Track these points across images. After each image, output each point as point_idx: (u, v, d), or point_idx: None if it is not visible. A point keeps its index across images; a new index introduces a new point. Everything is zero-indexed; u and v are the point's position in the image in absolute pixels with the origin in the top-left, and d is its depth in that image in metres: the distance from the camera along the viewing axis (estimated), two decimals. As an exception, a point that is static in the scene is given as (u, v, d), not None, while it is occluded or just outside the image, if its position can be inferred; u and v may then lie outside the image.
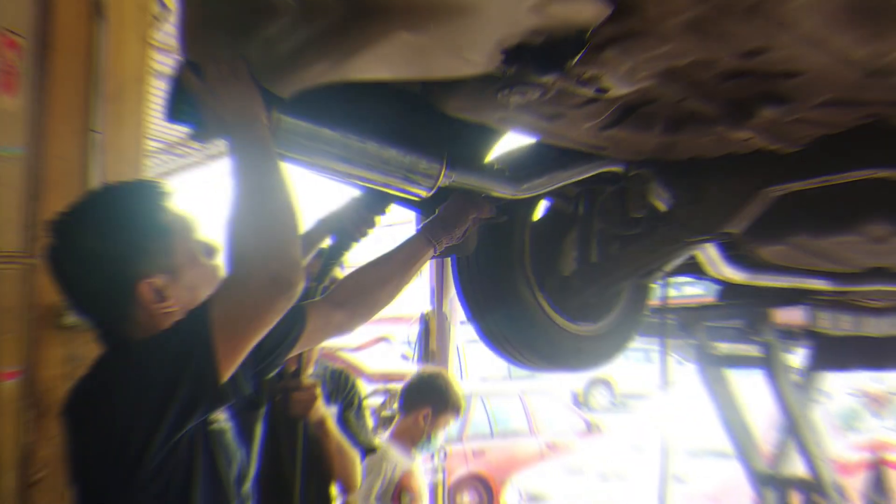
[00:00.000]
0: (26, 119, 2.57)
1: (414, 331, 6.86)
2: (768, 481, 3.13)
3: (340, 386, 2.67)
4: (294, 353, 1.77)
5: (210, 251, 1.53)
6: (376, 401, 9.99)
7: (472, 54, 1.16)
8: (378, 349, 10.95)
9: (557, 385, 12.22)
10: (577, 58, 1.11)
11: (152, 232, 1.43)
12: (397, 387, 10.05)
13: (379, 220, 2.07)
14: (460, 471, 8.43)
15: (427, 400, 3.25)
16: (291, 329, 1.67)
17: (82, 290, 1.44)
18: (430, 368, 4.05)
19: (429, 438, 3.26)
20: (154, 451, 1.30)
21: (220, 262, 1.55)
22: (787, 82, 1.28)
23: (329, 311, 1.78)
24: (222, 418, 1.49)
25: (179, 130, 10.25)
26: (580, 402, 16.63)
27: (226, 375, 1.33)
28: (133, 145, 2.85)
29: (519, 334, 2.19)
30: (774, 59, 1.19)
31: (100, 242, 1.39)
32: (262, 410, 1.65)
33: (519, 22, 1.05)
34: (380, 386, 9.99)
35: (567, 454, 9.05)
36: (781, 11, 1.05)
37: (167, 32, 6.83)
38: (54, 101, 2.65)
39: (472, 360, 12.83)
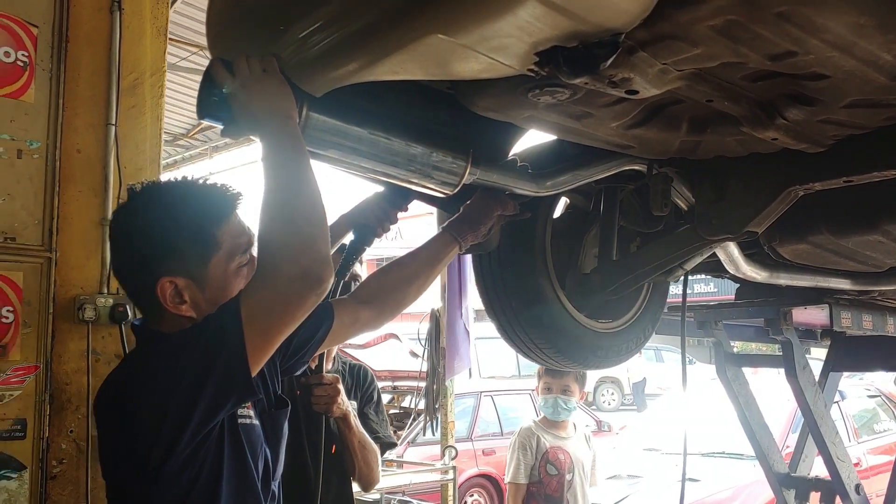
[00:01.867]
0: (45, 112, 2.60)
1: (423, 328, 6.86)
2: (788, 482, 3.13)
3: (359, 381, 2.69)
4: (321, 350, 1.79)
5: (248, 255, 1.55)
6: (384, 399, 10.03)
7: (507, 56, 1.17)
8: (386, 347, 10.96)
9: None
10: (610, 60, 1.11)
11: (197, 240, 1.47)
12: (405, 385, 10.04)
13: (399, 215, 2.09)
14: (470, 470, 8.42)
15: None
16: (320, 326, 1.70)
17: (118, 264, 1.56)
18: None
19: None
20: (185, 442, 1.34)
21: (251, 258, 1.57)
22: (815, 84, 1.28)
23: (356, 309, 1.80)
24: (252, 414, 1.51)
25: (184, 123, 10.33)
26: (588, 401, 16.65)
27: (256, 369, 1.35)
28: (150, 138, 2.88)
29: (540, 331, 2.19)
30: (802, 63, 1.20)
31: (145, 229, 1.46)
32: (289, 409, 1.66)
33: (556, 25, 1.06)
34: (387, 384, 10.01)
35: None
36: (810, 17, 1.06)
37: (184, 26, 6.87)
38: (72, 94, 2.69)
39: (481, 359, 12.88)
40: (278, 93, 1.41)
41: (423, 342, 7.04)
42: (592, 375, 18.09)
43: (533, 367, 14.16)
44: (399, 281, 1.89)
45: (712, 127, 1.56)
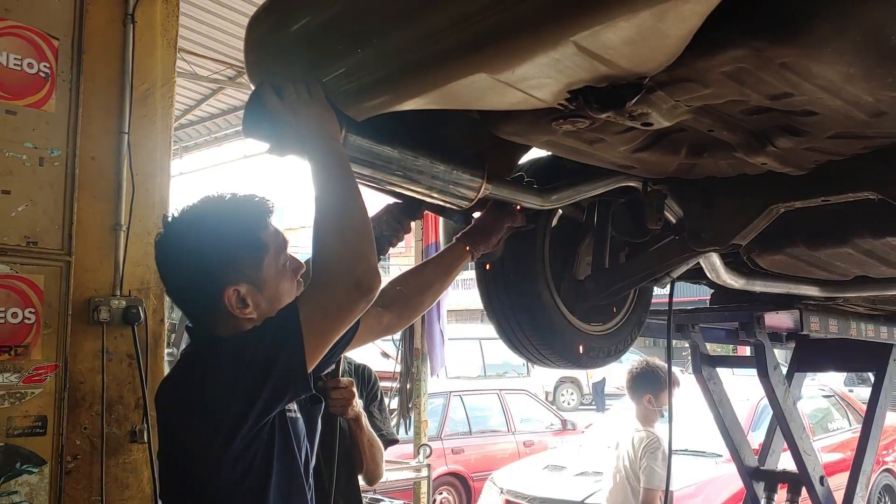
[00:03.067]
0: (65, 122, 2.70)
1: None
2: (758, 475, 3.35)
3: (364, 381, 2.83)
4: (347, 352, 1.94)
5: (296, 270, 1.70)
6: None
7: (543, 93, 1.33)
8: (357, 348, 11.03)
9: (532, 383, 12.45)
10: (635, 100, 1.29)
11: (248, 247, 1.60)
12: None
13: (412, 225, 2.25)
14: (439, 468, 8.56)
15: (644, 388, 4.06)
16: (346, 333, 1.84)
17: (179, 286, 1.64)
18: (636, 362, 4.42)
19: (662, 415, 4.12)
20: (245, 431, 1.47)
21: (301, 279, 1.72)
22: (805, 119, 1.47)
23: (379, 314, 1.95)
24: (295, 408, 1.66)
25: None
26: (549, 400, 16.90)
27: (311, 367, 1.49)
28: (160, 146, 3.00)
29: (538, 333, 2.36)
30: (796, 102, 1.38)
31: (199, 247, 1.57)
32: (323, 405, 1.80)
33: (592, 70, 1.22)
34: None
35: (543, 451, 9.24)
36: (808, 66, 1.24)
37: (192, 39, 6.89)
38: (87, 103, 2.79)
39: (448, 359, 13.04)
40: (325, 117, 1.55)
41: (396, 343, 7.18)
42: (553, 375, 18.36)
43: (498, 368, 14.28)
44: (418, 287, 2.05)
45: (709, 152, 1.75)
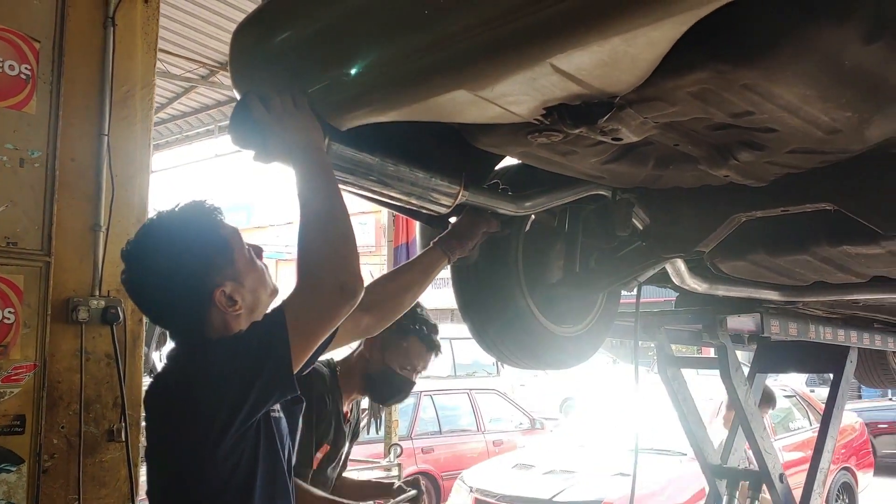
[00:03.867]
0: (45, 123, 2.73)
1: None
2: (720, 472, 3.46)
3: (358, 417, 2.92)
4: (328, 351, 2.00)
5: (258, 253, 1.76)
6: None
7: (520, 108, 1.41)
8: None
9: (502, 383, 12.54)
10: (606, 117, 1.37)
11: (217, 247, 1.65)
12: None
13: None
14: (409, 468, 8.61)
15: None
16: None
17: (165, 305, 1.66)
18: None
19: None
20: (232, 433, 1.52)
21: (265, 263, 1.80)
22: (765, 135, 1.56)
23: (358, 316, 2.01)
24: (278, 408, 1.72)
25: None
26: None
27: (297, 369, 1.55)
28: (140, 147, 3.03)
29: (511, 335, 2.44)
30: (757, 120, 1.47)
31: (175, 263, 1.60)
32: (304, 405, 1.85)
33: (567, 90, 1.30)
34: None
35: (513, 450, 9.33)
36: (768, 88, 1.34)
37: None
38: (68, 105, 2.82)
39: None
40: (310, 127, 1.61)
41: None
42: (516, 378, 18.48)
43: (468, 368, 14.32)
44: (397, 290, 2.12)
45: (674, 164, 1.84)
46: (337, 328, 1.91)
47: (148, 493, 1.67)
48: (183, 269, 1.60)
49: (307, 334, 1.56)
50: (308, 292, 1.55)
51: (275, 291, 1.75)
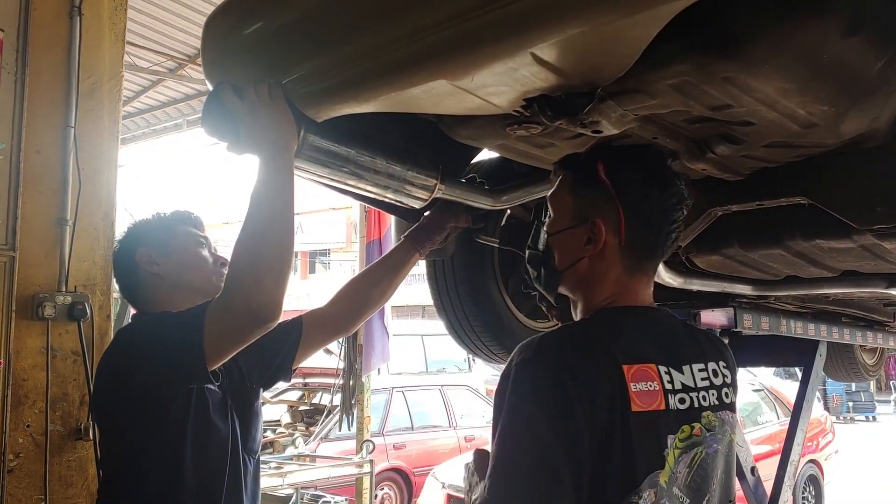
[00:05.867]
0: (9, 115, 2.66)
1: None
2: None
3: None
4: (303, 358, 2.01)
5: (202, 244, 1.91)
6: (292, 396, 10.05)
7: (500, 100, 1.39)
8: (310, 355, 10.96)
9: (474, 379, 12.55)
10: (587, 109, 1.35)
11: (163, 226, 1.89)
12: (316, 381, 10.06)
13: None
14: (381, 464, 8.60)
15: None
16: (287, 339, 1.97)
17: (115, 272, 1.93)
18: None
19: None
20: (154, 398, 1.63)
21: (210, 253, 1.93)
22: (743, 129, 1.56)
23: (326, 315, 2.02)
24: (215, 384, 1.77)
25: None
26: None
27: (212, 367, 1.62)
28: (107, 140, 2.97)
29: (486, 329, 2.44)
30: (736, 113, 1.47)
31: (128, 242, 1.88)
32: (259, 391, 1.91)
33: (547, 80, 1.29)
34: (298, 381, 10.05)
35: (484, 445, 9.34)
36: (747, 81, 1.33)
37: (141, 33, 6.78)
38: (32, 96, 2.75)
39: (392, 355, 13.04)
40: (282, 121, 1.58)
41: (339, 340, 7.18)
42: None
43: (440, 364, 14.36)
44: (365, 286, 2.11)
45: (652, 157, 1.83)
46: (299, 334, 2.01)
47: (99, 461, 1.89)
48: (129, 240, 1.89)
49: (220, 344, 1.60)
50: (223, 305, 1.58)
51: (208, 280, 1.88)
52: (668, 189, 1.43)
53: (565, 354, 1.27)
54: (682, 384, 1.34)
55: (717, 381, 1.43)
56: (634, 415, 1.24)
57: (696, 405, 1.35)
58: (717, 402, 1.40)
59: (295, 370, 2.02)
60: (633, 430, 1.24)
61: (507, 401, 1.26)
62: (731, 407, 1.45)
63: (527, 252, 1.63)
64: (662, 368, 1.32)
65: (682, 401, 1.32)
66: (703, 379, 1.39)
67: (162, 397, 1.64)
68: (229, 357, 1.65)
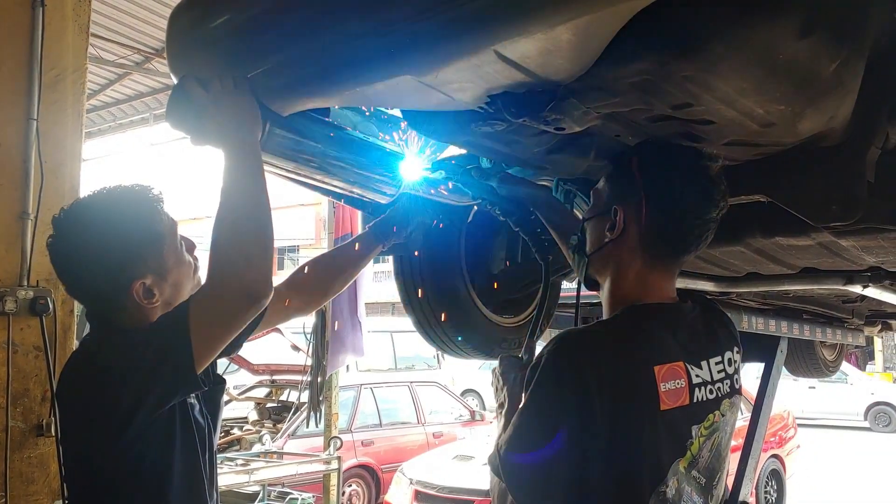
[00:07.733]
0: (-32, 106, 2.61)
1: (310, 322, 6.96)
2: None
3: None
4: (256, 334, 1.98)
5: (190, 248, 1.75)
6: (259, 393, 9.99)
7: (464, 95, 1.40)
8: (267, 341, 10.90)
9: (442, 375, 12.58)
10: (550, 106, 1.37)
11: (148, 239, 1.64)
12: (284, 378, 10.00)
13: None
14: (349, 461, 8.59)
15: None
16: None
17: (83, 283, 1.64)
18: None
19: None
20: (137, 423, 1.50)
21: (196, 257, 1.77)
22: (703, 127, 1.59)
23: (287, 296, 2.00)
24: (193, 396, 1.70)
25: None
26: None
27: (201, 368, 1.53)
28: (71, 133, 2.93)
29: (453, 325, 2.45)
30: (696, 111, 1.50)
31: (101, 245, 1.59)
32: (225, 385, 1.86)
33: (510, 77, 1.30)
34: (265, 378, 9.99)
35: (453, 442, 9.38)
36: (707, 80, 1.36)
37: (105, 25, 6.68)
38: (-7, 88, 2.71)
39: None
40: (247, 111, 1.58)
41: (308, 336, 7.15)
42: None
43: (409, 360, 14.33)
44: (326, 273, 2.12)
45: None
46: (265, 312, 1.90)
47: (65, 478, 1.70)
48: (108, 254, 1.59)
49: (210, 337, 1.53)
50: (212, 294, 1.52)
51: (199, 286, 1.72)
52: (696, 186, 1.53)
53: (593, 353, 1.39)
54: (703, 379, 1.47)
55: (730, 370, 1.56)
56: (662, 413, 1.37)
57: (716, 396, 1.49)
58: (729, 390, 1.54)
59: (241, 345, 1.96)
60: (661, 428, 1.37)
61: (532, 387, 1.38)
62: (739, 391, 1.59)
63: (574, 238, 1.74)
64: (688, 365, 1.45)
65: (704, 393, 1.46)
66: (719, 371, 1.52)
67: (148, 420, 1.51)
68: (220, 349, 1.58)
